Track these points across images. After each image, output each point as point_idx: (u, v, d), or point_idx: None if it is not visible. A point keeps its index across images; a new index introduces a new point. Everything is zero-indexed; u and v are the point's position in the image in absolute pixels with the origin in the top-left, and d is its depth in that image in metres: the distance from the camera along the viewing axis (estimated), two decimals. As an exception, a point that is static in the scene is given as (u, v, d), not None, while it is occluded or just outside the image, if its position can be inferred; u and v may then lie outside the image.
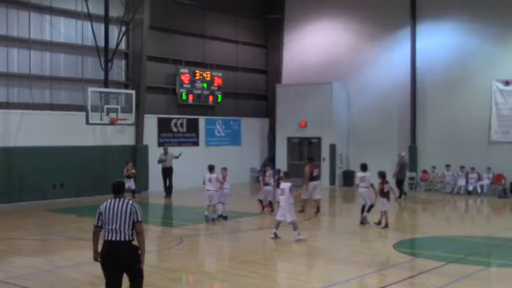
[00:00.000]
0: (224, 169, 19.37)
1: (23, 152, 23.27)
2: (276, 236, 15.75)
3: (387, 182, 17.72)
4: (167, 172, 26.00)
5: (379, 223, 17.56)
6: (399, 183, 25.08)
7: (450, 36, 28.26)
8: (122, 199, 8.42)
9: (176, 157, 25.74)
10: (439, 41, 28.51)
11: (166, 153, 26.02)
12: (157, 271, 12.19)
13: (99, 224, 8.42)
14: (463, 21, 27.78)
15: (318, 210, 20.36)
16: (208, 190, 18.54)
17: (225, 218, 19.08)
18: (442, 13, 28.36)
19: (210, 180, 18.57)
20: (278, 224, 15.79)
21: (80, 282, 11.51)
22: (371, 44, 30.61)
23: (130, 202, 8.42)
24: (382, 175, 17.73)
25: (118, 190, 8.56)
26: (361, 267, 12.67)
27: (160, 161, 25.98)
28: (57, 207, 22.28)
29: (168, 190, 25.96)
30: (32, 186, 23.49)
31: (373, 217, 17.97)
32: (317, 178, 20.69)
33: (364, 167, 18.42)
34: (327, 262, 13.80)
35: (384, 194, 17.47)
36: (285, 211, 15.50)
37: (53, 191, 24.17)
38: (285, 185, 15.70)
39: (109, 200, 8.47)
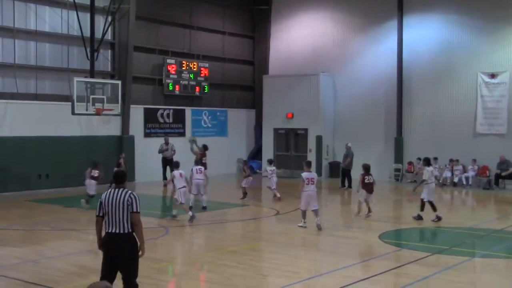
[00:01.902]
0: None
1: (8, 142, 23.06)
2: (305, 224, 16.09)
3: (369, 174, 18.04)
4: (168, 162, 26.11)
5: (369, 211, 17.78)
6: (348, 172, 26.02)
7: (437, 29, 28.35)
8: (121, 189, 8.34)
9: (174, 152, 26.23)
10: (425, 33, 28.58)
11: (167, 143, 26.46)
12: (143, 261, 12.04)
13: (101, 214, 8.35)
14: (449, 14, 27.87)
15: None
16: (198, 179, 18.87)
17: (204, 208, 19.12)
18: (429, 5, 28.42)
19: (198, 171, 19.07)
20: (305, 214, 16.15)
21: (66, 272, 11.45)
22: (358, 36, 30.62)
23: (129, 192, 8.31)
24: (365, 167, 18.20)
25: (118, 179, 8.54)
26: (346, 258, 12.72)
27: (160, 151, 26.37)
28: (42, 198, 22.15)
29: (165, 179, 26.03)
30: (17, 177, 23.30)
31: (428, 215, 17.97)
32: (205, 166, 21.77)
33: (428, 161, 18.32)
34: (313, 253, 13.86)
35: (365, 185, 17.85)
36: (311, 199, 15.89)
37: (39, 182, 24.00)
38: (312, 175, 16.18)
39: (109, 190, 8.43)
